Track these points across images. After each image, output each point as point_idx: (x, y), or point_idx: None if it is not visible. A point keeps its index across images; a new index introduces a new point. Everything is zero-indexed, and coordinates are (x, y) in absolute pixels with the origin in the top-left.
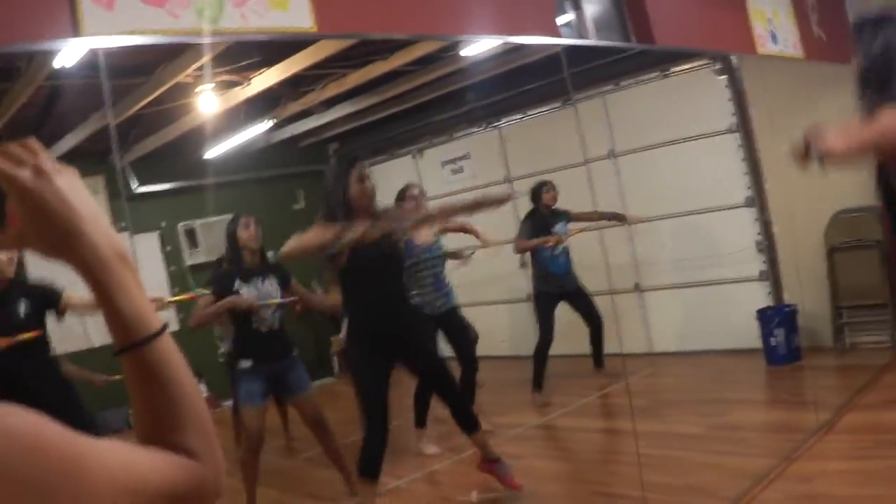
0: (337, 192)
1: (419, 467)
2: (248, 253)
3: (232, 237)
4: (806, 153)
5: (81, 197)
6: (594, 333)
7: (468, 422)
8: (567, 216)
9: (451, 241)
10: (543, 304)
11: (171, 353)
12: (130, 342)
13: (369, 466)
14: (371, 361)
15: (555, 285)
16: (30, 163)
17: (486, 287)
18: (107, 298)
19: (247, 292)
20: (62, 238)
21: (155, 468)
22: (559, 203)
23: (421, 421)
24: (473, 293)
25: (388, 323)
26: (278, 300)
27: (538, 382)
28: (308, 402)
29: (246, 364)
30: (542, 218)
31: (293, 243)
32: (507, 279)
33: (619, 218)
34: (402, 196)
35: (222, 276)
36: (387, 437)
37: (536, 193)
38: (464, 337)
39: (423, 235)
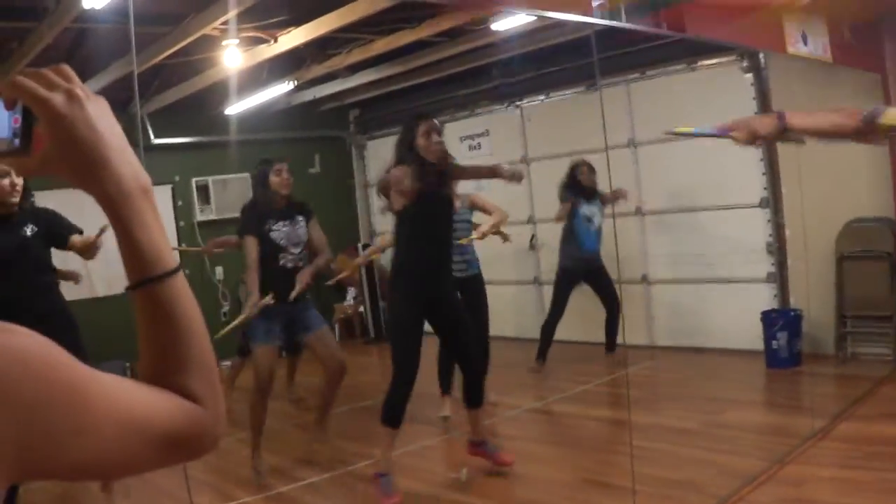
0: (405, 142)
1: (411, 440)
2: (279, 197)
3: (264, 180)
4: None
5: (110, 126)
6: (610, 316)
7: (476, 395)
8: (596, 194)
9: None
10: (565, 281)
11: (184, 294)
12: (146, 277)
13: (392, 414)
14: (411, 309)
15: (582, 261)
16: (63, 87)
17: (494, 267)
18: (126, 231)
19: (278, 231)
20: (88, 165)
21: (157, 407)
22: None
23: (447, 387)
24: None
25: (435, 276)
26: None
27: (542, 353)
28: (325, 336)
29: (267, 300)
30: (584, 187)
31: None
32: (515, 261)
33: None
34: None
35: (254, 216)
36: (412, 386)
37: (574, 172)
38: (480, 305)
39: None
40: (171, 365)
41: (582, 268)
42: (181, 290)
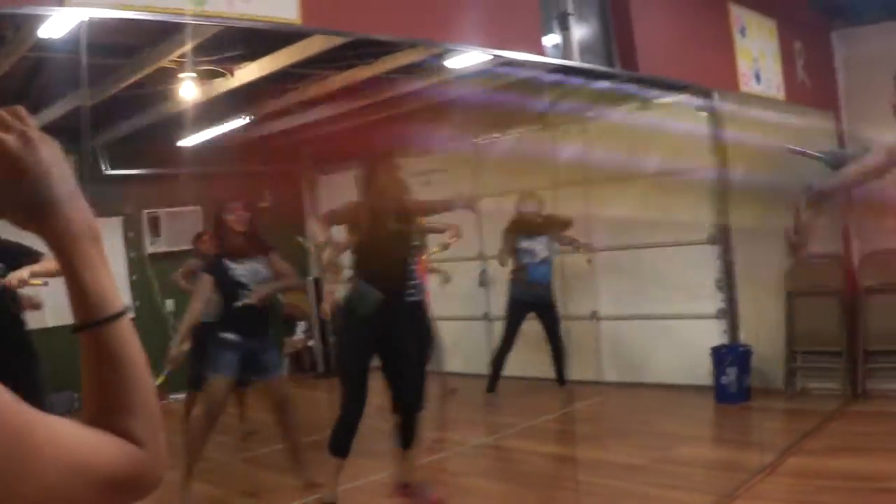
0: (367, 178)
1: (359, 475)
2: (234, 234)
3: (219, 220)
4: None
5: (62, 170)
6: (556, 352)
7: (409, 436)
8: (545, 227)
9: None
10: (514, 313)
11: (128, 337)
12: (91, 320)
13: (339, 444)
14: (360, 340)
15: (532, 294)
16: (17, 129)
17: (444, 303)
18: (73, 274)
19: (236, 269)
20: (38, 208)
21: (100, 450)
22: None
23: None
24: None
25: (387, 308)
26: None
27: (492, 385)
28: (279, 384)
29: (228, 336)
30: (525, 222)
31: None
32: (465, 296)
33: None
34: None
35: (211, 263)
36: (360, 415)
37: (520, 205)
38: (424, 334)
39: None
40: (113, 407)
41: (530, 300)
42: (126, 333)
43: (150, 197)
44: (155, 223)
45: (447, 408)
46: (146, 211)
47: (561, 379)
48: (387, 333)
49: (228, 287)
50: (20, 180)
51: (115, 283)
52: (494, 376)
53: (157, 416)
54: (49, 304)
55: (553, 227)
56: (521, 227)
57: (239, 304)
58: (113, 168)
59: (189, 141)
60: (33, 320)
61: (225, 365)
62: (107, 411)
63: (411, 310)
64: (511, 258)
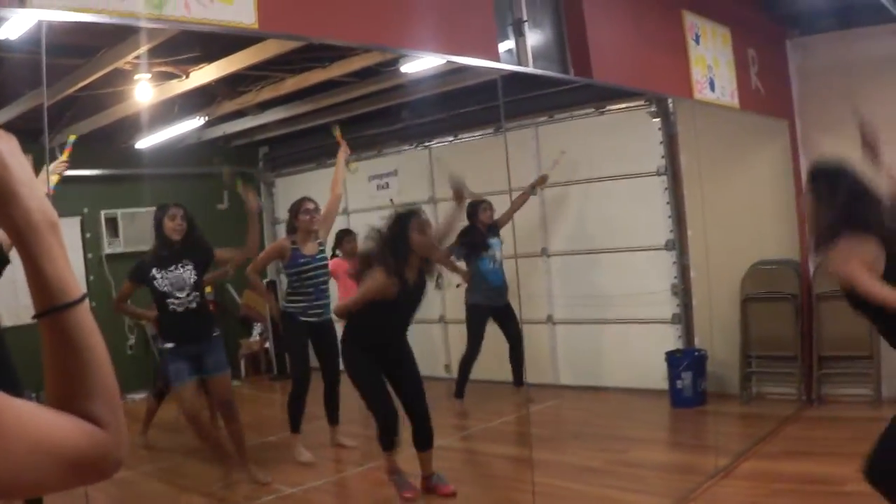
0: (398, 235)
1: (321, 475)
2: (170, 242)
3: (158, 225)
4: None
5: (20, 163)
6: (514, 352)
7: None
8: (496, 230)
9: None
10: (477, 318)
11: (87, 322)
12: (51, 306)
13: (387, 440)
14: (367, 359)
15: (490, 298)
16: None
17: None
18: (33, 262)
19: (160, 279)
20: None
21: (64, 431)
22: None
23: (296, 427)
24: None
25: (387, 347)
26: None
27: (460, 392)
28: (221, 384)
29: (169, 345)
30: (480, 233)
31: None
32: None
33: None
34: (296, 209)
35: (141, 265)
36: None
37: (473, 211)
38: (332, 350)
39: (310, 247)
40: (75, 390)
41: (490, 304)
42: (85, 319)
43: (108, 198)
44: (113, 224)
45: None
46: (104, 212)
47: (518, 381)
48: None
49: (156, 296)
50: None
51: (73, 272)
52: (462, 382)
53: (116, 398)
54: (6, 305)
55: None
56: (476, 237)
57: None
58: (70, 168)
59: (146, 142)
60: None
61: (178, 373)
62: (69, 395)
63: (315, 326)
64: (467, 267)
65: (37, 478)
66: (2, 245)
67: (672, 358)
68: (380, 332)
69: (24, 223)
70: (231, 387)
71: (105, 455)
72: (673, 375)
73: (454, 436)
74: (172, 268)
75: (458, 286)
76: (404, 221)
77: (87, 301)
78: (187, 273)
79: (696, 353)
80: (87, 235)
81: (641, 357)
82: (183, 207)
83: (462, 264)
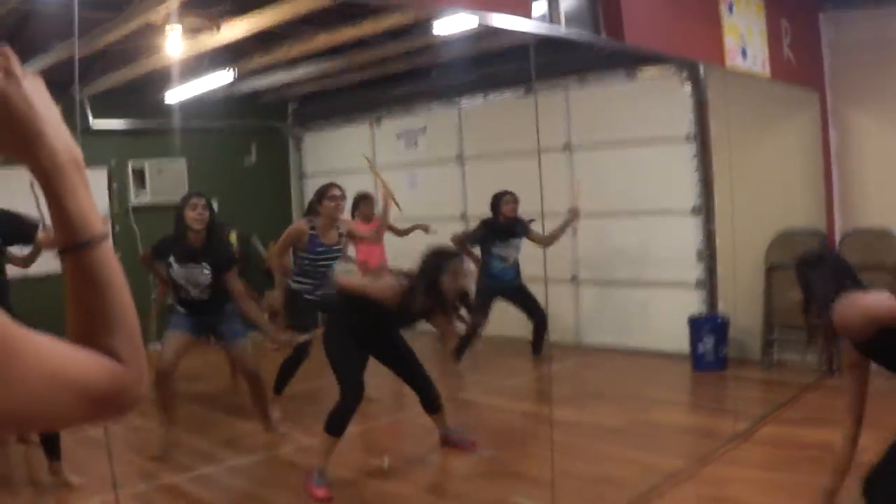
0: (433, 277)
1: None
2: (191, 233)
3: (179, 215)
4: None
5: (45, 102)
6: (537, 327)
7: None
8: (520, 226)
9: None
10: (481, 297)
11: (109, 259)
12: (74, 243)
13: (337, 426)
14: (351, 338)
15: (496, 287)
16: (0, 66)
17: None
18: (57, 200)
19: (176, 269)
20: (23, 139)
21: (83, 364)
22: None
23: (280, 390)
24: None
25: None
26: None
27: (458, 353)
28: (237, 350)
29: (180, 310)
30: (501, 226)
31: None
32: None
33: (572, 218)
34: (321, 195)
35: (163, 245)
36: (360, 399)
37: (496, 203)
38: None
39: (330, 236)
40: (96, 326)
41: (497, 290)
42: (107, 256)
43: (135, 149)
44: (140, 175)
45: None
46: (131, 162)
47: (537, 350)
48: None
49: (171, 279)
50: (5, 114)
51: (97, 209)
52: (461, 348)
53: (137, 335)
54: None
55: (522, 229)
56: (496, 231)
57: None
58: (99, 119)
59: (175, 95)
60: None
61: (177, 323)
62: (90, 331)
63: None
64: (479, 257)
65: (55, 411)
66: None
67: (695, 322)
68: (369, 322)
69: (48, 162)
70: (249, 353)
71: (124, 390)
72: (695, 339)
73: (475, 391)
74: (190, 264)
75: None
76: (444, 260)
77: (110, 239)
78: (203, 276)
79: (719, 319)
80: (114, 186)
81: (664, 320)
82: (206, 198)
83: (477, 250)
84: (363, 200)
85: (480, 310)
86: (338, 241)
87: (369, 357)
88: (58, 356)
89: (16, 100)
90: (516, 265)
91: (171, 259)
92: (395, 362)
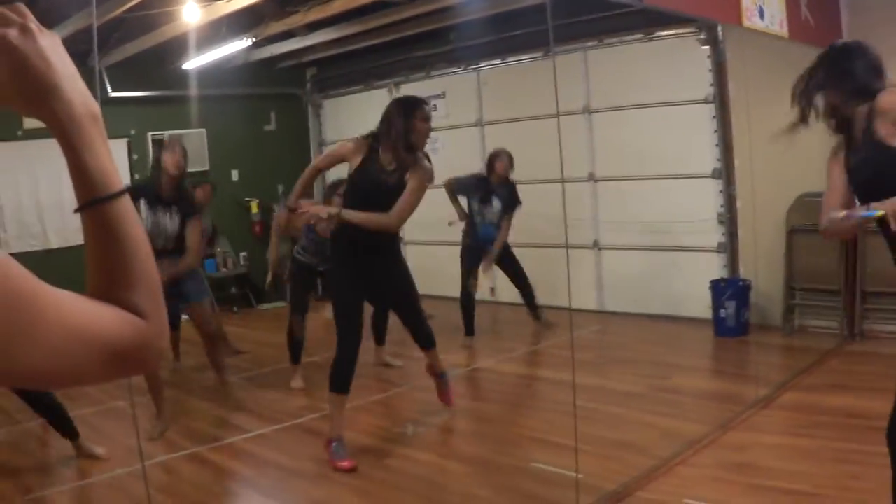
0: (402, 122)
1: (358, 395)
2: (166, 178)
3: (157, 159)
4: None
5: (62, 57)
6: (523, 293)
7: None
8: (509, 187)
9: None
10: (467, 259)
11: (129, 214)
12: (94, 198)
13: (340, 382)
14: (351, 285)
15: (479, 247)
16: (17, 22)
17: (430, 229)
18: (76, 155)
19: (144, 215)
20: (39, 93)
21: (105, 319)
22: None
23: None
24: (421, 233)
25: (373, 260)
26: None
27: (469, 329)
28: (202, 309)
29: None
30: (488, 185)
31: None
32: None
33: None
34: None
35: (136, 189)
36: (357, 353)
37: (491, 161)
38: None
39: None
40: (116, 281)
41: (480, 250)
42: (127, 211)
43: (155, 119)
44: (160, 146)
45: (444, 333)
46: (151, 133)
47: (536, 316)
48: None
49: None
50: (22, 69)
51: (115, 164)
52: (467, 319)
53: (157, 289)
54: (53, 227)
55: (510, 200)
56: (483, 189)
57: None
58: (117, 90)
59: (193, 63)
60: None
61: None
62: (110, 286)
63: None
64: (469, 212)
65: (77, 365)
66: None
67: (716, 287)
68: (364, 237)
69: (66, 116)
70: (210, 315)
71: (146, 345)
72: (717, 304)
73: (496, 357)
74: (160, 211)
75: (450, 224)
76: (411, 107)
77: (127, 194)
78: (171, 223)
79: (741, 283)
80: (135, 157)
81: (686, 285)
82: (183, 146)
83: (463, 201)
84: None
85: (466, 275)
86: None
87: (363, 308)
88: (80, 312)
89: (32, 55)
90: (496, 226)
91: (142, 204)
92: (392, 301)
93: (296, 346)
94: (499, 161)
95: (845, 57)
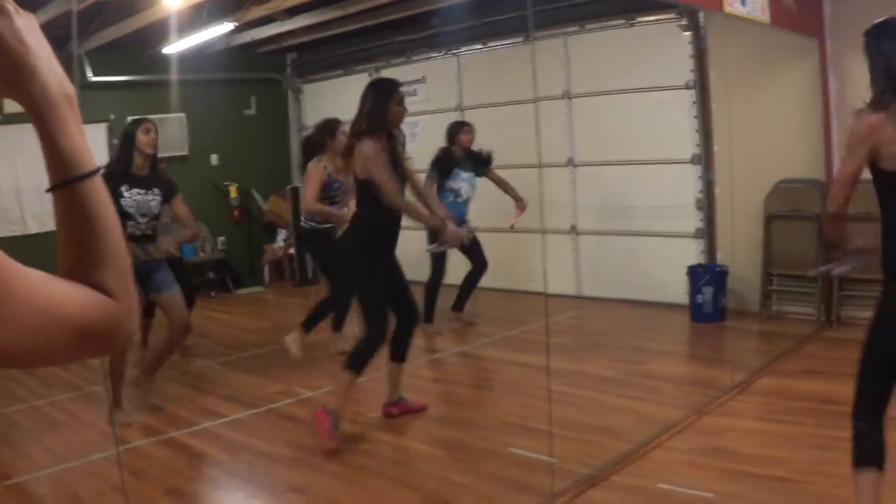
0: (380, 106)
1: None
2: (140, 158)
3: (129, 138)
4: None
5: (37, 38)
6: (471, 277)
7: (405, 350)
8: (484, 162)
9: None
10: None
11: (100, 195)
12: (66, 177)
13: (360, 362)
14: (379, 269)
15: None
16: None
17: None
18: (49, 135)
19: (128, 199)
20: (16, 74)
21: (75, 299)
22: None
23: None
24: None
25: (394, 239)
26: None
27: (429, 316)
28: (174, 300)
29: None
30: (452, 161)
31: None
32: None
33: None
34: (332, 129)
35: (111, 175)
36: (386, 336)
37: (453, 133)
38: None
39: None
40: (87, 261)
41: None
42: (98, 191)
43: (135, 104)
44: (133, 126)
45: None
46: (130, 118)
47: (459, 305)
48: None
49: (117, 211)
50: None
51: (88, 145)
52: (429, 308)
53: (127, 271)
54: (32, 212)
55: (479, 164)
56: (449, 163)
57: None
58: (97, 75)
59: (173, 48)
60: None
61: None
62: (80, 265)
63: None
64: (437, 193)
65: (46, 344)
66: None
67: (694, 272)
68: (394, 221)
69: (41, 97)
70: (184, 304)
71: (116, 325)
72: (694, 290)
73: (474, 342)
74: (142, 191)
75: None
76: (388, 91)
77: (100, 174)
78: (153, 202)
79: (718, 269)
80: (114, 142)
81: (663, 270)
82: (155, 124)
83: (434, 190)
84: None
85: (436, 261)
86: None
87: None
88: (51, 292)
89: (7, 36)
90: (468, 203)
91: (123, 189)
92: (395, 280)
93: (315, 317)
94: (463, 133)
95: (877, 33)
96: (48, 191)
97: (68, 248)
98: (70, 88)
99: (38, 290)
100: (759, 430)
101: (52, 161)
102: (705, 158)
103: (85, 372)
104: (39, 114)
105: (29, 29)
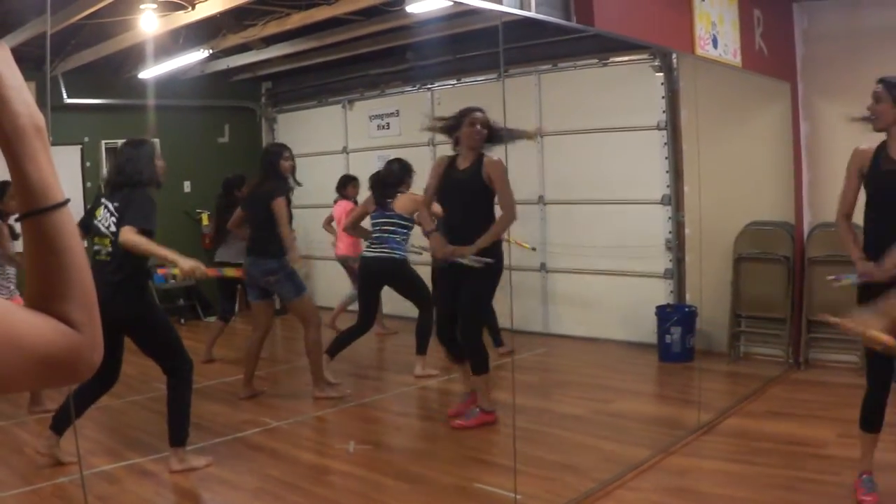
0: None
1: (304, 411)
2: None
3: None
4: None
5: (10, 68)
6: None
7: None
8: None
9: None
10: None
11: (68, 226)
12: (34, 208)
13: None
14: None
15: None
16: None
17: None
18: (19, 166)
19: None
20: None
21: (38, 329)
22: None
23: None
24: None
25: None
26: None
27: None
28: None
29: None
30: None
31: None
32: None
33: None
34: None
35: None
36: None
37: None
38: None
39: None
40: (52, 292)
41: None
42: (66, 223)
43: (109, 127)
44: (114, 154)
45: (388, 348)
46: (104, 141)
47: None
48: None
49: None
50: None
51: (58, 176)
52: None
53: (93, 302)
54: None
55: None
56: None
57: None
58: (73, 97)
59: (149, 73)
60: None
61: None
62: (46, 296)
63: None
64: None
65: (7, 373)
66: None
67: (662, 312)
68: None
69: (10, 127)
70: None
71: (77, 356)
72: (662, 330)
73: (440, 377)
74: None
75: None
76: (460, 115)
77: (68, 206)
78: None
79: (687, 310)
80: (87, 164)
81: (632, 310)
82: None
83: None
84: (350, 182)
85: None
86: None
87: None
88: (14, 322)
89: None
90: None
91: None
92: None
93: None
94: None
95: None
96: (16, 220)
97: (34, 277)
98: (40, 119)
99: (1, 318)
100: (725, 470)
101: (20, 191)
102: (675, 199)
103: (53, 393)
104: (8, 143)
105: (1, 59)
